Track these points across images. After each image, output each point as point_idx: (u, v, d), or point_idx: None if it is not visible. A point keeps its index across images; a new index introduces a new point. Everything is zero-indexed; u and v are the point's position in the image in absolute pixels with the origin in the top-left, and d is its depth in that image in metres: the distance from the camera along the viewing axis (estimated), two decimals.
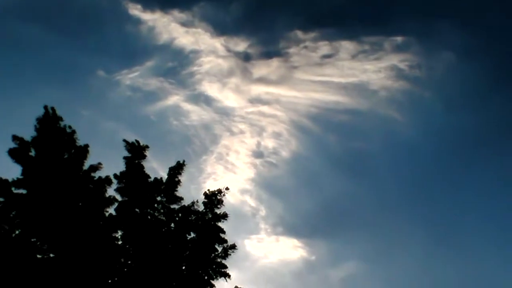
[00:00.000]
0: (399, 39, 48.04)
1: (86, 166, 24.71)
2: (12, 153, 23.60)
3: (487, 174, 50.03)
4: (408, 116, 48.63)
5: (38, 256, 22.93)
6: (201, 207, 25.79)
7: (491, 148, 49.96)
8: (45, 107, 24.37)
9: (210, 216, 25.65)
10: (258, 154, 48.07)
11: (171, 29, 46.97)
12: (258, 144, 48.15)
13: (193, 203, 25.78)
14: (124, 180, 25.17)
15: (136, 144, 25.74)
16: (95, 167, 24.77)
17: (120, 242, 24.40)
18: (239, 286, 25.36)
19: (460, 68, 49.54)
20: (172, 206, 25.61)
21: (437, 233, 52.29)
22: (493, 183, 49.58)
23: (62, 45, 47.21)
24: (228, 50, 47.77)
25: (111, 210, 24.74)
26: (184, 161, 26.28)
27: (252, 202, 46.72)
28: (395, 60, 47.59)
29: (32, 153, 23.93)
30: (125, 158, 25.63)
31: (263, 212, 47.29)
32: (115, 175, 25.13)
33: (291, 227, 48.81)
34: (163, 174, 25.99)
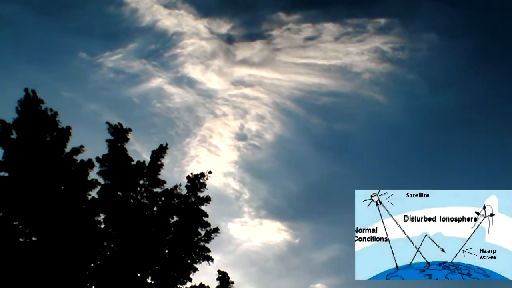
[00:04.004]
0: (382, 21, 47.89)
1: (68, 148, 24.54)
2: None
3: (471, 154, 50.32)
4: (392, 98, 48.69)
5: (21, 239, 22.78)
6: (184, 191, 25.81)
7: (474, 128, 50.21)
8: (26, 90, 24.08)
9: (193, 200, 25.66)
10: (241, 136, 47.82)
11: (154, 10, 46.38)
12: (242, 126, 47.92)
13: (176, 186, 25.77)
14: (106, 163, 25.04)
15: (119, 127, 25.56)
16: (77, 150, 24.59)
17: (102, 226, 24.32)
18: (222, 270, 25.52)
19: (443, 49, 49.67)
20: (155, 190, 25.56)
21: None
22: (478, 163, 49.91)
23: (42, 26, 46.41)
24: (211, 32, 47.39)
25: (93, 194, 24.65)
26: (167, 144, 26.27)
27: (235, 185, 46.60)
28: (378, 42, 47.54)
29: (14, 135, 23.67)
30: (107, 141, 25.46)
31: (246, 195, 47.18)
32: (97, 158, 25.00)
33: (275, 210, 48.78)
34: (146, 157, 26.02)
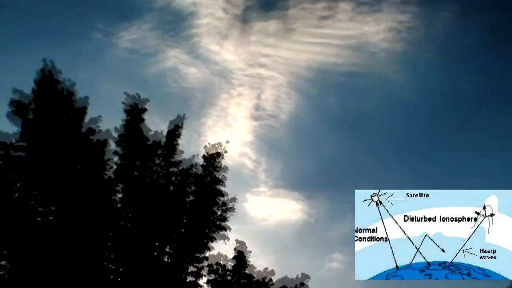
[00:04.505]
0: None
1: (84, 128, 24.65)
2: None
3: (485, 136, 49.55)
4: (407, 77, 47.97)
5: (38, 218, 23.14)
6: (199, 170, 25.93)
7: (488, 110, 49.33)
8: (42, 70, 24.15)
9: (209, 179, 25.81)
10: (256, 116, 47.73)
11: None
12: (257, 106, 47.80)
13: (191, 166, 25.89)
14: (122, 143, 25.22)
15: (135, 106, 25.65)
16: (93, 130, 24.74)
17: (119, 205, 24.61)
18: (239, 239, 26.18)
19: (458, 28, 48.61)
20: (171, 169, 25.69)
21: None
22: (490, 146, 49.11)
23: (56, 6, 46.34)
24: (226, 11, 46.95)
25: (109, 173, 24.87)
26: (182, 123, 26.28)
27: (251, 164, 46.70)
28: (394, 21, 46.69)
29: (30, 115, 23.88)
30: (124, 120, 25.61)
31: (262, 174, 47.40)
32: (113, 138, 25.20)
33: (290, 189, 48.92)
34: (162, 137, 26.00)
